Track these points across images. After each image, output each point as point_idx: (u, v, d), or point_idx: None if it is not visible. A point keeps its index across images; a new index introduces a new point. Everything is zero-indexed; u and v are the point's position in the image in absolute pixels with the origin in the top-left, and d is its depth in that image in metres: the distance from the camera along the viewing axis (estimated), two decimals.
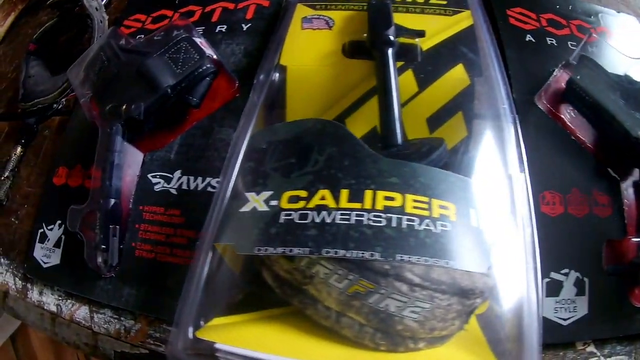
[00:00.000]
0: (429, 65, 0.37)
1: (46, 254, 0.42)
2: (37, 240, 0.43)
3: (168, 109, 0.40)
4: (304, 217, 0.26)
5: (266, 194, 0.28)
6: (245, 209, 0.28)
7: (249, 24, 0.46)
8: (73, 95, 0.48)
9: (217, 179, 0.38)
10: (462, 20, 0.40)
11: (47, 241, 0.42)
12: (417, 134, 0.37)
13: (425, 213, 0.26)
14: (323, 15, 0.42)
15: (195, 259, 0.29)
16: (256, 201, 0.28)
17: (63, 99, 0.51)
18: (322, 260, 0.26)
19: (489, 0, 0.47)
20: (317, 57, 0.38)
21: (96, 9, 0.52)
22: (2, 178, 0.49)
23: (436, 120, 0.37)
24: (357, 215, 0.26)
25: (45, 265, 0.41)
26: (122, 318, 0.37)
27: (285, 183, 0.28)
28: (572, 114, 0.41)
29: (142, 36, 0.48)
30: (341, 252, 0.25)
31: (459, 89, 0.36)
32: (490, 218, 0.28)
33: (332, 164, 0.29)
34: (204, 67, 0.39)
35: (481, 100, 0.37)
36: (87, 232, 0.38)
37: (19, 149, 0.50)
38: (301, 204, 0.27)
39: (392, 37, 0.36)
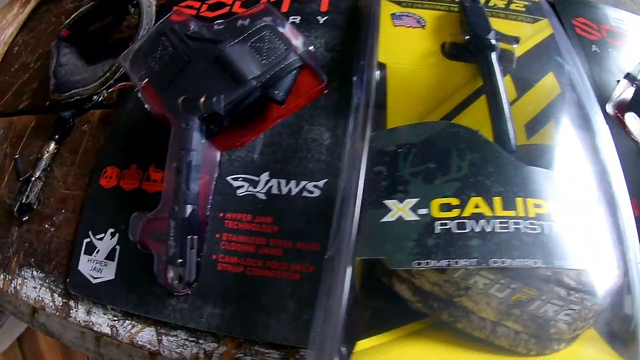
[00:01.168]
0: (524, 72, 0.36)
1: (96, 268, 0.36)
2: (83, 252, 0.37)
3: (248, 103, 0.35)
4: (462, 226, 0.25)
5: (411, 201, 0.26)
6: (389, 218, 0.26)
7: (326, 17, 0.42)
8: (121, 86, 0.42)
9: (313, 183, 0.34)
10: (543, 29, 0.40)
11: (97, 253, 0.36)
12: (517, 139, 0.35)
13: (569, 219, 0.27)
14: (412, 13, 0.40)
15: (328, 275, 0.25)
16: (401, 210, 0.26)
17: (104, 90, 0.45)
18: (482, 270, 0.25)
19: (556, 10, 0.46)
20: (416, 56, 0.36)
21: None
22: (33, 179, 0.42)
23: (533, 126, 0.35)
24: (515, 224, 0.25)
25: (95, 281, 0.35)
26: (200, 341, 0.32)
27: (431, 190, 0.27)
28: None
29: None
30: (507, 262, 0.24)
31: (552, 97, 0.36)
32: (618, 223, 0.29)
33: (477, 170, 0.27)
34: (291, 60, 0.35)
35: (571, 107, 0.36)
36: (155, 244, 0.33)
37: (52, 146, 0.44)
38: (455, 212, 0.26)
39: (494, 42, 0.35)
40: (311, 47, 0.37)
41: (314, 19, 0.42)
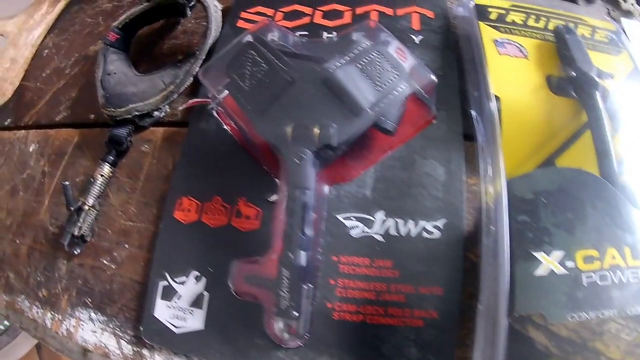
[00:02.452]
0: (616, 108, 0.35)
1: (178, 316, 0.31)
2: (159, 296, 0.32)
3: (360, 133, 0.31)
4: (604, 278, 0.27)
5: (558, 254, 0.27)
6: (541, 272, 0.27)
7: (421, 37, 0.38)
8: (196, 103, 0.37)
9: (432, 223, 0.30)
10: (626, 62, 0.38)
11: (178, 299, 0.31)
12: None
13: None
14: (513, 41, 0.37)
15: (482, 328, 0.26)
16: (550, 262, 0.27)
17: (166, 105, 0.40)
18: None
19: None
20: (526, 90, 0.34)
21: None
22: (87, 207, 0.37)
23: None
24: None
25: (178, 331, 0.30)
26: None
27: (573, 241, 0.27)
28: None
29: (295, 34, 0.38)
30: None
31: None
32: None
33: (610, 220, 0.28)
34: (404, 87, 0.31)
35: None
36: (259, 292, 0.28)
37: (106, 169, 0.38)
38: (597, 264, 0.27)
39: (597, 79, 0.34)
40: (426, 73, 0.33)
41: (409, 37, 0.38)
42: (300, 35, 0.39)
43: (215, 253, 0.31)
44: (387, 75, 0.31)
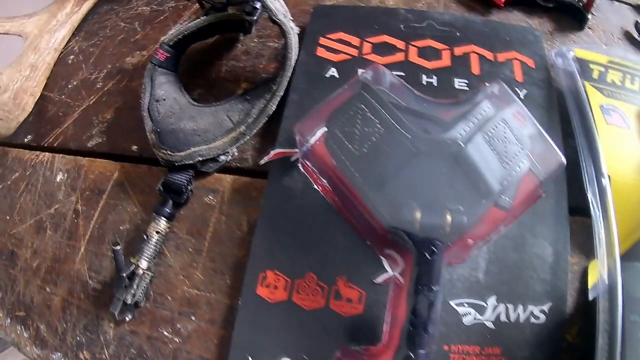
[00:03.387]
0: None
1: None
2: None
3: None
4: None
5: None
6: None
7: (525, 90, 0.33)
8: (277, 155, 0.30)
9: (540, 307, 0.27)
10: None
11: None
12: None
13: None
14: (616, 107, 0.33)
15: None
16: None
17: (234, 148, 0.34)
18: None
19: None
20: (631, 168, 0.31)
21: (283, 14, 0.35)
22: (141, 272, 0.31)
23: None
24: None
25: None
26: None
27: None
28: None
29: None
30: None
31: None
32: None
33: None
34: (525, 163, 0.26)
35: None
36: None
37: (163, 224, 0.32)
38: None
39: None
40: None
41: (514, 91, 0.33)
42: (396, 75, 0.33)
43: (310, 338, 0.26)
44: (512, 149, 0.26)
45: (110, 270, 0.33)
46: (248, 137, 0.33)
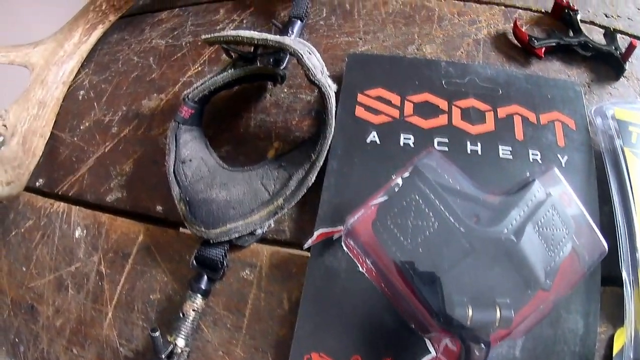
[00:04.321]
0: None
1: None
2: None
3: None
4: None
5: None
6: None
7: (566, 156, 0.32)
8: (322, 237, 0.28)
9: None
10: None
11: None
12: None
13: None
14: None
15: None
16: None
17: (272, 222, 0.32)
18: None
19: None
20: None
21: (321, 71, 0.32)
22: (180, 350, 0.29)
23: None
24: None
25: None
26: None
27: None
28: None
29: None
30: None
31: None
32: None
33: None
34: (569, 246, 0.25)
35: None
36: None
37: (199, 301, 0.30)
38: None
39: None
40: None
41: (555, 157, 0.32)
42: (438, 142, 0.32)
43: None
44: (559, 235, 0.25)
45: (143, 340, 0.31)
46: (285, 210, 0.31)
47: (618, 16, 0.42)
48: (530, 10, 0.41)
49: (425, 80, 0.34)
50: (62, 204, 0.38)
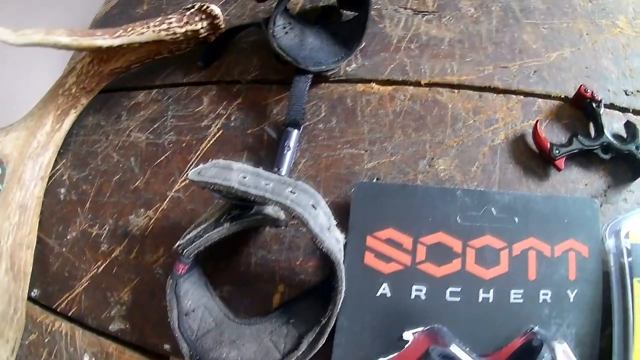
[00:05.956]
0: None
1: None
2: None
3: None
4: None
5: None
6: None
7: (576, 290, 0.30)
8: None
9: None
10: None
11: None
12: None
13: None
14: None
15: None
16: None
17: None
18: None
19: None
20: None
21: (328, 228, 0.28)
22: None
23: None
24: None
25: None
26: None
27: None
28: None
29: None
30: None
31: None
32: None
33: None
34: None
35: None
36: None
37: None
38: None
39: None
40: None
41: (565, 294, 0.30)
42: (451, 292, 0.30)
43: None
44: None
45: None
46: None
47: (638, 91, 0.38)
48: (550, 97, 0.36)
49: (439, 216, 0.31)
50: (63, 323, 0.36)
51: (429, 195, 0.32)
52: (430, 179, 0.33)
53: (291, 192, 0.28)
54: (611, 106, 0.37)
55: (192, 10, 0.38)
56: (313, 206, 0.28)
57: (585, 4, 0.41)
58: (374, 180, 0.33)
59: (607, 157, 0.34)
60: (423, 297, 0.30)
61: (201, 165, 0.30)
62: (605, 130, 0.35)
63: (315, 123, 0.35)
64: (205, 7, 0.38)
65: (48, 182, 0.39)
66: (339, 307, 0.29)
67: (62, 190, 0.39)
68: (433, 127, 0.34)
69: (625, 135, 0.36)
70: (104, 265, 0.36)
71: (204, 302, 0.32)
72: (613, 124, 0.36)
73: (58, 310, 0.37)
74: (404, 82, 0.36)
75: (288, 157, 0.33)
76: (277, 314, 0.31)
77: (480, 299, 0.30)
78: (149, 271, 0.35)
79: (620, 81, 0.38)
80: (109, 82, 0.40)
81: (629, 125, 0.36)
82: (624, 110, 0.37)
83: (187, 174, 0.29)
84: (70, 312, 0.36)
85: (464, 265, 0.30)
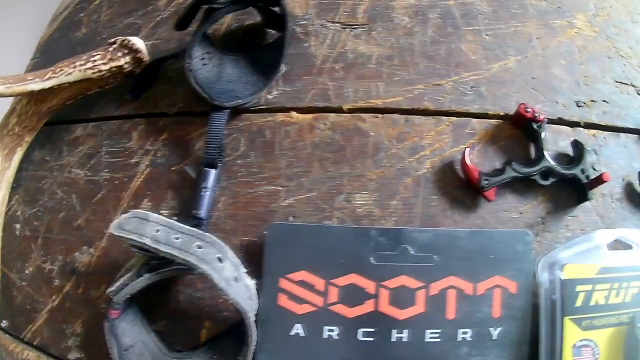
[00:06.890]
0: None
1: None
2: None
3: None
4: None
5: None
6: None
7: (499, 328, 0.30)
8: None
9: None
10: None
11: None
12: None
13: None
14: (590, 340, 0.30)
15: None
16: None
17: None
18: None
19: None
20: None
21: (235, 277, 0.29)
22: None
23: None
24: None
25: None
26: None
27: None
28: None
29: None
30: None
31: None
32: None
33: None
34: None
35: None
36: None
37: None
38: None
39: None
40: None
41: (487, 332, 0.30)
42: (363, 333, 0.30)
43: None
44: None
45: None
46: None
47: (592, 101, 0.34)
48: (487, 116, 0.33)
49: (352, 258, 0.30)
50: (30, 352, 0.39)
51: (342, 236, 0.31)
52: (348, 215, 0.32)
53: (198, 246, 0.29)
54: (559, 121, 0.34)
55: (114, 45, 0.37)
56: (219, 259, 0.29)
57: (539, 2, 0.36)
58: (290, 218, 0.32)
59: (546, 182, 0.32)
60: (335, 337, 0.30)
61: (122, 217, 0.31)
62: (545, 154, 0.32)
63: (235, 158, 0.34)
64: (126, 41, 0.37)
65: (5, 217, 0.41)
66: (254, 347, 0.30)
67: (18, 226, 0.41)
68: (352, 159, 0.33)
69: (572, 154, 0.33)
70: (58, 299, 0.38)
71: (141, 338, 0.34)
72: (559, 142, 0.34)
73: (25, 340, 0.40)
74: (325, 109, 0.34)
75: (206, 198, 0.33)
76: (203, 350, 0.33)
77: (394, 339, 0.30)
78: (95, 306, 0.37)
79: (572, 91, 0.35)
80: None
81: (576, 145, 0.33)
82: (573, 125, 0.34)
83: (110, 225, 0.30)
84: (35, 342, 0.39)
85: (377, 306, 0.30)
